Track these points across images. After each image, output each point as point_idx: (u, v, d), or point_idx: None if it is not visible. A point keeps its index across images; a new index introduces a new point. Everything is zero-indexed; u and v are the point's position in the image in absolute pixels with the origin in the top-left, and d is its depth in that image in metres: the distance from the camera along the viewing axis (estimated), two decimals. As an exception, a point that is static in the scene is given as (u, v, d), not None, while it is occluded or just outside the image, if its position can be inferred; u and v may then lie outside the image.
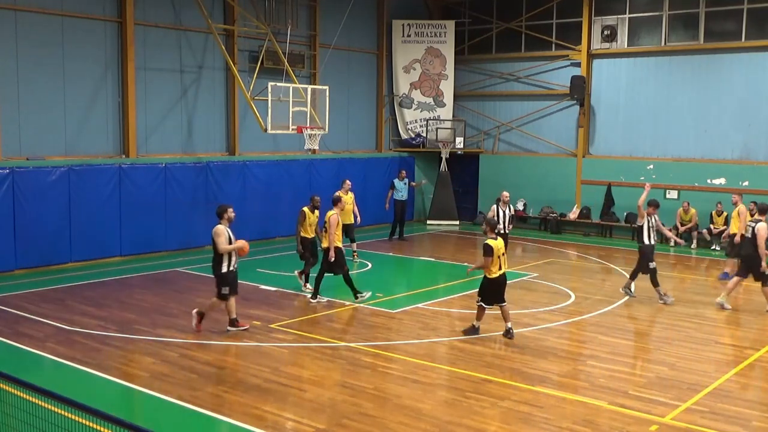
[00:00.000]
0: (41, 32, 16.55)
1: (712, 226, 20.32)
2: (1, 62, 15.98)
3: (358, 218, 17.86)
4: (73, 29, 17.09)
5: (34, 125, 16.59)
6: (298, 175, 21.46)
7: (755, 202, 19.71)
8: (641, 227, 14.21)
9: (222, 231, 11.46)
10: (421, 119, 25.73)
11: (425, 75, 25.66)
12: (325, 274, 13.71)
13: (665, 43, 22.01)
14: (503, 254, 11.56)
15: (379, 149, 25.31)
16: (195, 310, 11.88)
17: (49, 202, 16.22)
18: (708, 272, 17.91)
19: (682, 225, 20.92)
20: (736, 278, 13.99)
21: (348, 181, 17.78)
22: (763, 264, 13.41)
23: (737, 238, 16.64)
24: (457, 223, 24.71)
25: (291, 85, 18.17)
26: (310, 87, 18.89)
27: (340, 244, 13.60)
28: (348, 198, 17.30)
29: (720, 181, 20.94)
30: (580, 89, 22.84)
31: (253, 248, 19.50)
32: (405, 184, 21.45)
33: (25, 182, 15.82)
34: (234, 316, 11.75)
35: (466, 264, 17.76)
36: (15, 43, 16.15)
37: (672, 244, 20.65)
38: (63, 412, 5.63)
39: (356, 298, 13.71)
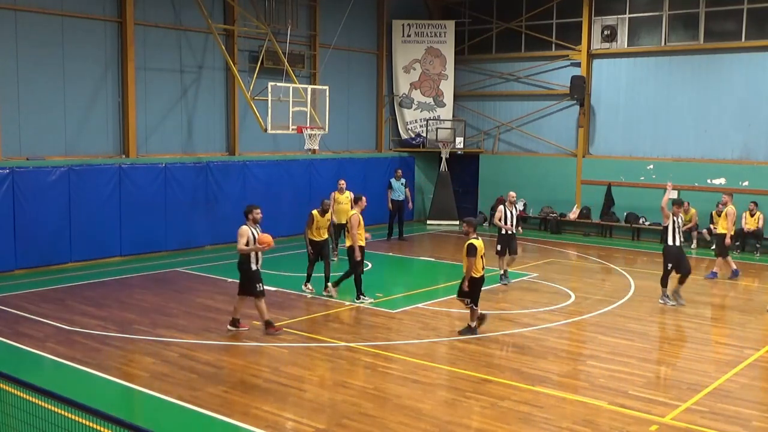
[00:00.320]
0: (41, 32, 16.55)
1: (712, 226, 20.29)
2: (1, 62, 15.98)
3: None
4: (73, 29, 17.09)
5: (34, 125, 16.59)
6: (298, 175, 21.46)
7: (755, 202, 19.85)
8: (666, 228, 13.97)
9: (244, 231, 11.34)
10: (421, 119, 25.73)
11: (425, 75, 25.67)
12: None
13: (665, 43, 22.01)
14: (483, 254, 11.73)
15: (379, 149, 25.31)
16: (262, 323, 11.75)
17: (49, 202, 16.22)
18: (708, 272, 17.87)
19: (682, 225, 20.87)
20: None
21: (342, 181, 17.76)
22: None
23: (727, 240, 16.66)
24: (457, 223, 24.67)
25: (291, 85, 18.17)
26: (310, 87, 18.89)
27: (363, 243, 13.58)
28: (343, 198, 17.30)
29: (720, 181, 20.94)
30: (580, 89, 22.84)
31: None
32: (402, 184, 21.42)
33: (25, 182, 15.81)
34: (238, 316, 11.74)
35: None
36: (15, 43, 16.15)
37: (693, 246, 20.69)
38: (63, 412, 5.63)
39: (357, 298, 13.71)
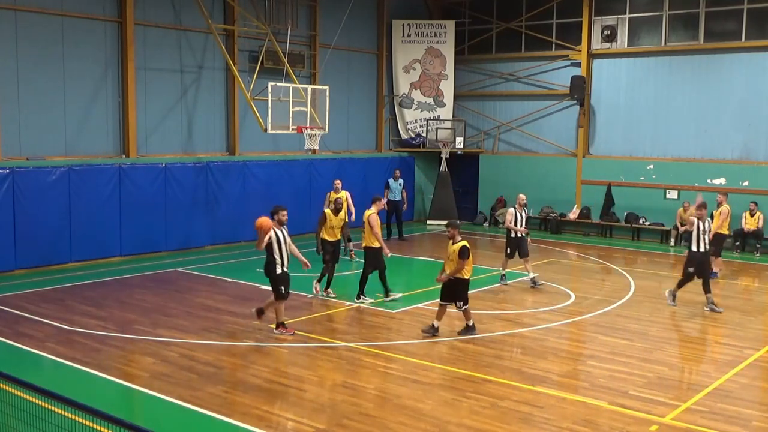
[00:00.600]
0: (41, 32, 16.55)
1: (712, 226, 20.29)
2: (1, 62, 15.98)
3: (352, 216, 17.75)
4: (73, 29, 17.09)
5: (34, 125, 16.59)
6: (298, 175, 21.47)
7: (755, 202, 19.85)
8: (690, 233, 13.64)
9: (265, 231, 11.33)
10: (421, 119, 25.73)
11: (425, 75, 25.67)
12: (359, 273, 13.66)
13: (665, 43, 22.01)
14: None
15: (379, 149, 25.31)
16: (254, 309, 11.85)
17: (49, 202, 16.22)
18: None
19: (682, 225, 20.85)
20: None
21: (338, 181, 17.73)
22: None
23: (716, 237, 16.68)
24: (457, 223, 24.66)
25: (291, 85, 18.17)
26: (310, 87, 18.89)
27: (380, 244, 13.51)
28: (338, 197, 17.19)
29: (720, 181, 20.94)
30: (580, 89, 22.84)
31: (253, 248, 19.64)
32: (399, 184, 21.39)
33: (25, 182, 15.82)
34: (282, 319, 11.62)
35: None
36: (15, 43, 16.15)
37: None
38: (63, 412, 5.63)
39: (358, 298, 13.72)
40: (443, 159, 24.52)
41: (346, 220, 17.45)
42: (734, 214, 18.33)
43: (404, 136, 25.94)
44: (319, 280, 14.17)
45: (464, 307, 11.56)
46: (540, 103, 24.49)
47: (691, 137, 21.72)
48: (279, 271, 11.43)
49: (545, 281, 15.87)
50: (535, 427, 8.18)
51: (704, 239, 13.55)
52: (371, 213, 13.58)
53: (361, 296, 13.71)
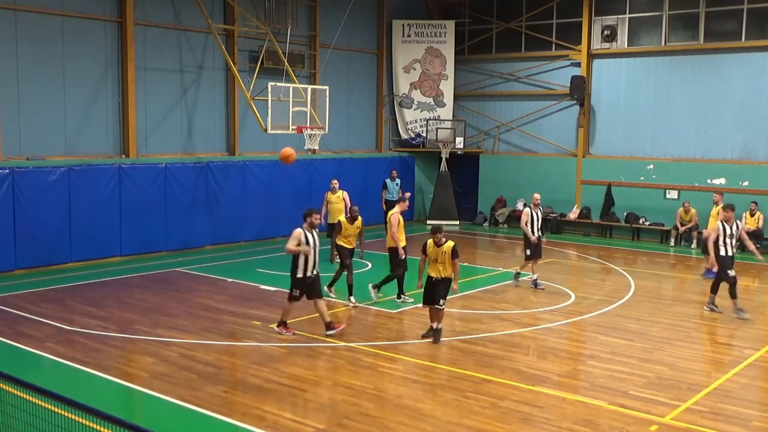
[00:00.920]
0: (41, 32, 16.55)
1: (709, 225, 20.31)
2: (1, 62, 15.98)
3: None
4: (73, 29, 17.09)
5: (34, 125, 16.59)
6: (298, 175, 21.45)
7: (755, 202, 19.85)
8: (716, 240, 13.18)
9: (297, 234, 11.30)
10: (421, 119, 25.73)
11: (425, 75, 25.67)
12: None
13: (665, 43, 22.02)
14: None
15: (379, 149, 25.31)
16: (276, 325, 11.73)
17: (49, 202, 16.22)
18: (706, 272, 17.88)
19: (682, 225, 20.91)
20: None
21: (335, 181, 17.70)
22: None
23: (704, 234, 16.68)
24: (458, 223, 24.70)
25: (291, 85, 18.17)
26: (310, 87, 18.89)
27: (404, 243, 13.39)
28: (335, 198, 17.15)
29: (720, 181, 20.94)
30: (580, 89, 22.84)
31: (253, 248, 19.73)
32: (396, 184, 21.38)
33: (25, 182, 15.82)
34: (328, 319, 11.50)
35: (465, 264, 17.77)
36: (15, 43, 16.15)
37: (693, 246, 20.65)
38: (63, 412, 5.62)
39: (399, 298, 13.70)
40: (443, 159, 24.52)
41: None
42: (735, 214, 18.26)
43: (404, 136, 25.94)
44: (330, 285, 13.97)
45: (444, 305, 11.30)
46: (540, 103, 24.49)
47: (691, 137, 21.72)
48: (299, 275, 11.33)
49: (545, 281, 15.86)
50: (535, 427, 8.18)
51: (730, 243, 13.07)
52: (393, 212, 13.53)
53: (402, 295, 13.65)
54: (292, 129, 18.06)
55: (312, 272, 11.41)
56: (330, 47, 21.92)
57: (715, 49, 21.18)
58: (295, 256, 11.36)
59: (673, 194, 21.91)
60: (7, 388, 6.24)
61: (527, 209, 15.33)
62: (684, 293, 15.43)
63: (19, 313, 12.65)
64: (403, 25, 25.37)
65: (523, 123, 24.83)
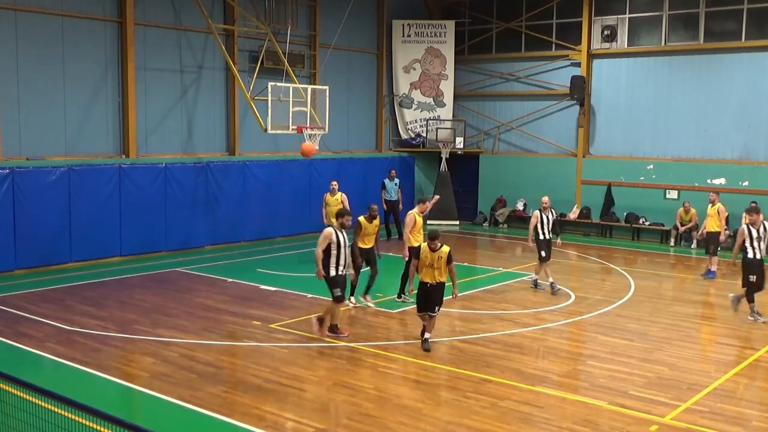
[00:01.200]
0: (41, 32, 16.55)
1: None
2: (1, 62, 15.98)
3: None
4: (73, 29, 17.09)
5: (34, 125, 16.59)
6: (297, 175, 21.46)
7: (755, 202, 19.83)
8: (743, 244, 12.94)
9: (328, 234, 11.20)
10: (421, 119, 25.73)
11: (425, 75, 25.67)
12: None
13: (665, 43, 22.02)
14: None
15: (379, 149, 25.31)
16: (314, 317, 11.67)
17: (49, 202, 16.22)
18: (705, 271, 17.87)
19: (682, 225, 20.91)
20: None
21: (335, 182, 17.66)
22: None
23: (722, 237, 16.64)
24: (458, 223, 24.70)
25: (291, 85, 18.17)
26: (310, 87, 18.89)
27: (415, 244, 13.10)
28: (333, 200, 17.03)
29: (720, 181, 20.94)
30: (580, 89, 22.84)
31: (253, 248, 19.73)
32: (395, 184, 21.37)
33: (25, 182, 15.81)
34: (336, 321, 11.46)
35: (465, 264, 17.79)
36: (15, 43, 16.15)
37: (693, 246, 20.63)
38: (63, 412, 5.63)
39: (399, 297, 13.68)
40: (443, 159, 24.52)
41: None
42: (734, 214, 18.32)
43: (404, 136, 25.94)
44: (365, 293, 13.63)
45: (438, 311, 11.10)
46: (540, 103, 24.49)
47: (691, 137, 21.72)
48: (333, 273, 11.30)
49: (545, 281, 15.85)
50: (535, 427, 8.18)
51: (758, 246, 12.80)
52: (410, 212, 13.41)
53: (403, 295, 13.60)
54: (292, 129, 18.05)
55: (341, 271, 11.38)
56: (330, 47, 21.92)
57: (715, 49, 21.18)
58: (327, 256, 11.26)
59: (673, 194, 21.91)
60: (7, 388, 6.24)
61: (536, 212, 15.05)
62: (684, 293, 15.43)
63: (19, 313, 12.65)
64: (403, 25, 25.37)
65: (523, 123, 24.83)
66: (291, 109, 17.80)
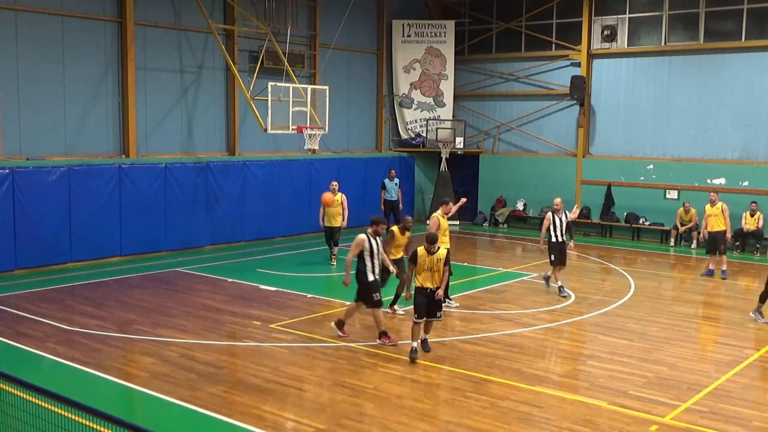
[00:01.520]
0: (41, 32, 16.54)
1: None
2: (1, 62, 15.98)
3: (344, 222, 17.55)
4: (73, 29, 17.09)
5: (34, 125, 16.59)
6: (297, 176, 21.46)
7: (755, 202, 19.85)
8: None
9: (360, 241, 11.08)
10: (421, 119, 25.73)
11: (425, 75, 25.67)
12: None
13: (665, 43, 22.01)
14: None
15: (379, 149, 25.31)
16: (333, 323, 11.56)
17: (49, 202, 16.22)
18: (705, 271, 17.87)
19: (682, 225, 20.91)
20: None
21: (334, 182, 17.61)
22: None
23: (728, 235, 16.64)
24: (458, 223, 24.68)
25: (291, 85, 18.17)
26: (310, 87, 18.89)
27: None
28: (332, 200, 17.04)
29: (720, 181, 20.94)
30: (580, 89, 22.84)
31: (253, 248, 19.73)
32: (395, 184, 21.36)
33: (25, 182, 15.81)
34: (382, 328, 11.29)
35: (465, 264, 17.79)
36: (15, 43, 16.15)
37: (693, 246, 20.61)
38: (63, 412, 5.63)
39: (450, 299, 13.36)
40: (443, 159, 24.51)
41: (339, 224, 17.32)
42: (734, 214, 18.33)
43: (404, 136, 25.94)
44: (392, 304, 13.37)
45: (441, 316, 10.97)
46: (540, 103, 24.49)
47: (691, 137, 21.72)
48: (371, 278, 11.22)
49: (554, 284, 15.85)
50: (535, 427, 8.18)
51: None
52: (435, 214, 13.30)
53: (448, 300, 13.28)
54: (292, 129, 18.06)
55: (377, 275, 11.33)
56: (330, 47, 21.92)
57: (715, 49, 21.18)
58: (361, 261, 11.18)
59: (673, 194, 21.90)
60: (7, 388, 6.25)
61: (549, 214, 14.77)
62: (684, 293, 15.43)
63: (19, 313, 12.65)
64: (403, 25, 25.37)
65: (523, 123, 24.83)
66: (291, 109, 17.80)
